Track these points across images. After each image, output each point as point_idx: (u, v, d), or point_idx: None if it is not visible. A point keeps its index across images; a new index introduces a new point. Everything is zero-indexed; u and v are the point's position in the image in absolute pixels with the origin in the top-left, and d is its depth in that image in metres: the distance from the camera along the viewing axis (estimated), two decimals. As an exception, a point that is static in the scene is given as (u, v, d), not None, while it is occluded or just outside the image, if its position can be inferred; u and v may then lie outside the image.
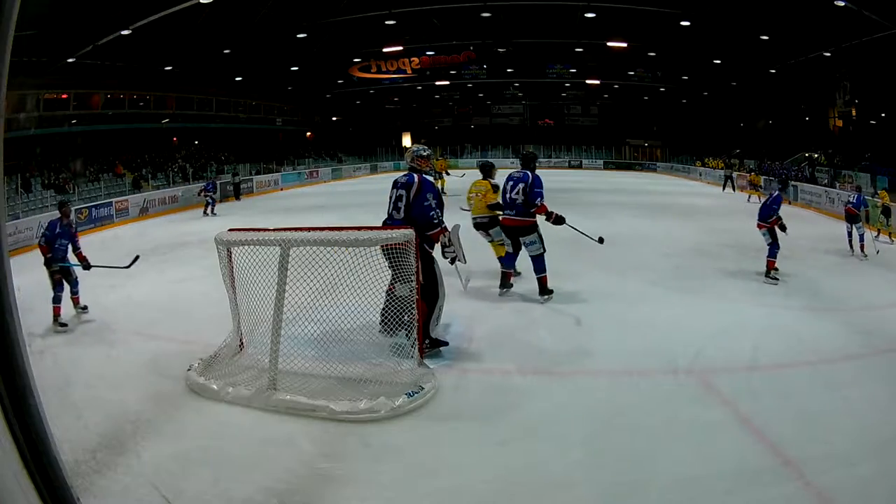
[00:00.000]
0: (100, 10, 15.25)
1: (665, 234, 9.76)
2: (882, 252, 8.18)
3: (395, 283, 3.83)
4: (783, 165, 21.69)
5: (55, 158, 17.49)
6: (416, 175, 4.17)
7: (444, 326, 4.63)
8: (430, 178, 4.31)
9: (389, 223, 4.12)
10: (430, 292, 4.01)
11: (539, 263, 5.42)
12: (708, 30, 21.90)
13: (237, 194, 19.13)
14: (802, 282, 6.48)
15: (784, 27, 19.69)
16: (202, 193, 15.04)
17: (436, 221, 4.08)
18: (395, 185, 4.19)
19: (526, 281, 6.31)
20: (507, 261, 5.74)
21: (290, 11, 20.44)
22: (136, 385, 3.69)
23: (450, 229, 4.24)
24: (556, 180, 15.51)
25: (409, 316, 3.82)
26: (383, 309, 3.94)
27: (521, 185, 5.38)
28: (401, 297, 3.78)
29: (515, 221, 5.44)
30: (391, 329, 3.91)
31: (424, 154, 4.31)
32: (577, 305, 5.51)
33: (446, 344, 4.19)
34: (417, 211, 4.06)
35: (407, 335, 3.83)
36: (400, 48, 29.43)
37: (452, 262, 4.36)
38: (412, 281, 3.72)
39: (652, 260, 7.60)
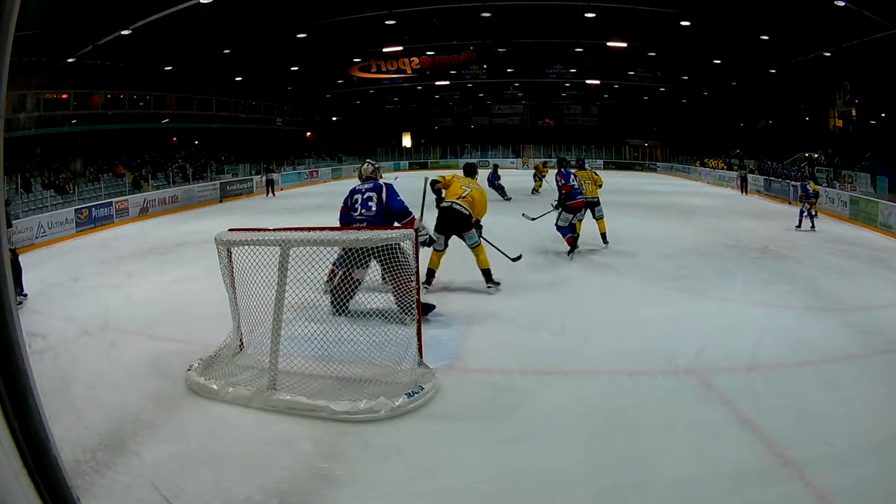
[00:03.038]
0: (100, 10, 15.24)
1: (665, 234, 9.76)
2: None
3: (354, 269, 3.96)
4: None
5: (55, 158, 17.48)
6: (380, 182, 5.02)
7: (444, 326, 4.74)
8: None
9: (360, 220, 4.76)
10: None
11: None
12: (708, 30, 21.88)
13: (270, 190, 19.93)
14: (802, 282, 6.48)
15: (784, 27, 19.67)
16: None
17: (410, 212, 4.90)
18: (359, 191, 4.97)
19: (528, 281, 6.32)
20: (573, 231, 7.63)
21: (290, 11, 20.42)
22: (136, 385, 3.68)
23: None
24: (556, 180, 15.42)
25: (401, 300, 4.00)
26: (340, 289, 4.01)
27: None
28: (356, 280, 4.06)
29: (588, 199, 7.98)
30: (342, 309, 3.94)
31: (378, 166, 5.42)
32: (577, 305, 5.51)
33: (434, 307, 4.89)
34: (396, 206, 4.85)
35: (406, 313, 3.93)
36: (400, 48, 29.39)
37: (424, 244, 5.04)
38: (366, 267, 3.93)
39: (652, 260, 7.60)
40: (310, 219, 12.01)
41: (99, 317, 5.32)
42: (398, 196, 4.91)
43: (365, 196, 4.88)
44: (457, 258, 6.09)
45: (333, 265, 3.87)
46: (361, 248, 3.77)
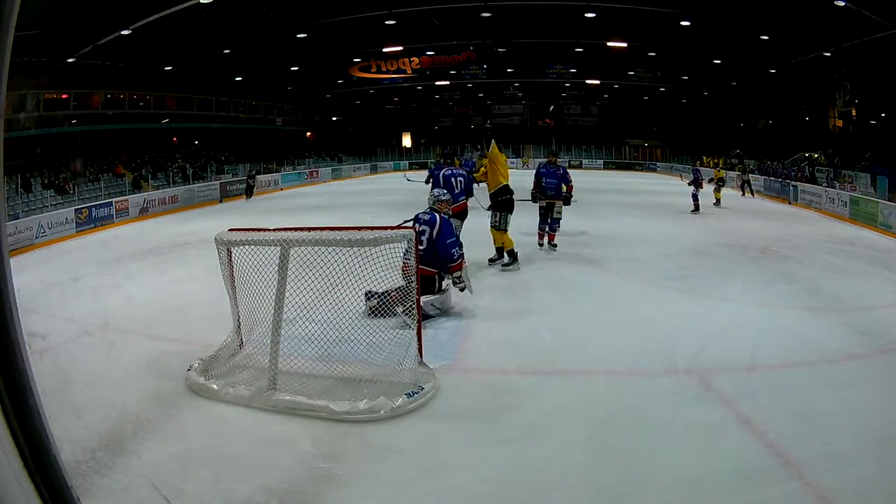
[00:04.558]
0: (100, 10, 15.25)
1: (665, 234, 9.76)
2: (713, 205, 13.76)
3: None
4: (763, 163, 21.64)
5: (55, 158, 17.47)
6: (437, 215, 4.89)
7: (444, 326, 4.74)
8: (448, 219, 5.02)
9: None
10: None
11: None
12: (708, 30, 21.89)
13: (249, 193, 19.35)
14: (802, 282, 6.48)
15: (784, 27, 19.68)
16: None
17: (456, 257, 4.82)
18: (418, 220, 4.90)
19: (528, 281, 6.32)
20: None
21: (290, 11, 20.43)
22: (136, 385, 3.69)
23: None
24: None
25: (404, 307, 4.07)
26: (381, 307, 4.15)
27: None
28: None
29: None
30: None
31: (444, 199, 5.08)
32: (577, 305, 5.51)
33: (430, 316, 4.83)
34: (441, 246, 4.77)
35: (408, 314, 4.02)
36: (400, 48, 29.41)
37: (462, 290, 5.00)
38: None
39: (652, 260, 7.60)
40: (310, 219, 12.01)
41: (99, 317, 5.32)
42: (450, 238, 4.81)
43: (420, 228, 4.76)
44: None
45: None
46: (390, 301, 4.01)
